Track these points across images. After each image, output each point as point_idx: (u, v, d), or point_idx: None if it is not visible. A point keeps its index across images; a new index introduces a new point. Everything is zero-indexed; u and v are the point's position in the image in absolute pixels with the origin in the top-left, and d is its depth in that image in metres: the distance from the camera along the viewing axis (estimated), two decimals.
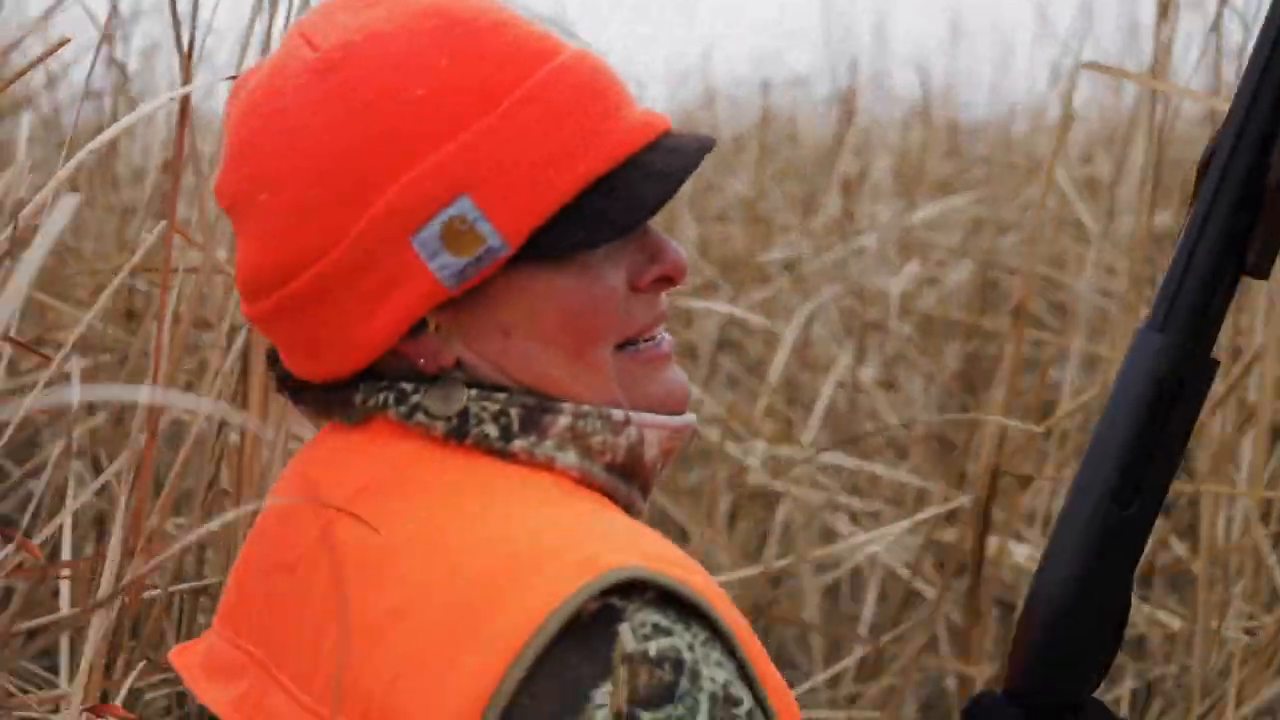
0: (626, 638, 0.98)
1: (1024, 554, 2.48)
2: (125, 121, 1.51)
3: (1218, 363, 1.06)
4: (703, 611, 1.01)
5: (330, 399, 1.16)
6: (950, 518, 2.87)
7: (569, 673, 0.98)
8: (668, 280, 1.15)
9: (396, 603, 1.03)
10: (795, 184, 4.96)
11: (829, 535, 3.08)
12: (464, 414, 1.10)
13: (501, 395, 1.11)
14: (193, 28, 1.73)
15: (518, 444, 1.10)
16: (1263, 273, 1.06)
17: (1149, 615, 2.31)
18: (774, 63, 6.64)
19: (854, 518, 3.13)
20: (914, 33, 6.03)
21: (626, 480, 1.13)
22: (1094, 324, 3.13)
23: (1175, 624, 2.23)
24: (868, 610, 2.79)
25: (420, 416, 1.11)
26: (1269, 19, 1.05)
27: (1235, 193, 1.03)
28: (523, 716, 0.98)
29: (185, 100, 1.65)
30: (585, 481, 1.12)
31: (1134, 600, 2.30)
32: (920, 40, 6.04)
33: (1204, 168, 1.06)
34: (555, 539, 1.03)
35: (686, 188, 4.79)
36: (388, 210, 1.08)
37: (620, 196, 1.10)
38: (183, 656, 1.23)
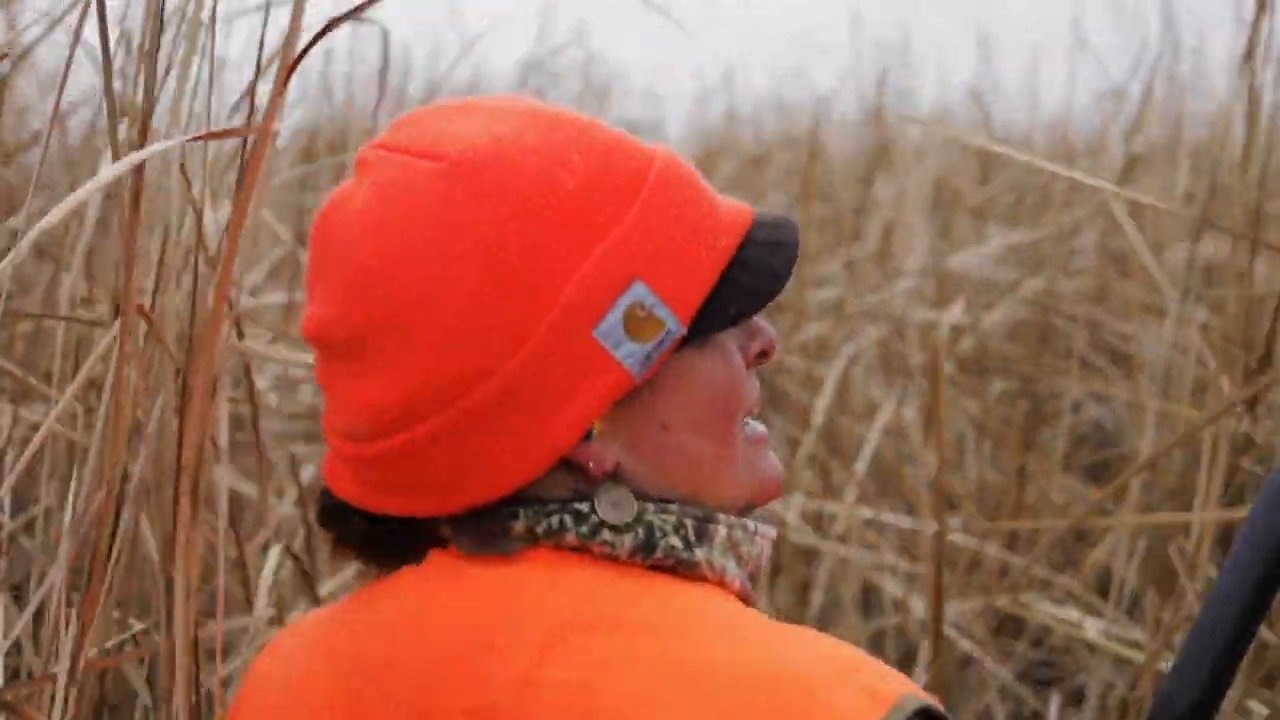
0: None
1: (1095, 629, 2.30)
2: (68, 203, 1.23)
3: None
4: None
5: (468, 532, 1.10)
6: (1005, 578, 2.71)
7: None
8: (765, 355, 1.17)
9: None
10: (825, 206, 4.80)
11: (874, 595, 2.91)
12: (649, 527, 1.09)
13: (673, 506, 1.11)
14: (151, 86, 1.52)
15: (699, 554, 1.10)
16: None
17: (1237, 702, 2.14)
18: (797, 82, 6.52)
19: (894, 572, 2.96)
20: (941, 51, 5.88)
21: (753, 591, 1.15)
22: (1153, 374, 2.95)
23: (1264, 712, 2.06)
24: (918, 678, 2.62)
25: (605, 535, 1.08)
26: None
27: None
28: None
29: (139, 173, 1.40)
30: (742, 594, 1.12)
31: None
32: (948, 58, 5.89)
33: None
34: (817, 668, 1.03)
35: None
36: (569, 306, 1.06)
37: (754, 269, 1.11)
38: None
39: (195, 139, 1.28)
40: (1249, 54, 2.17)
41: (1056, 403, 3.32)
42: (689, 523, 1.10)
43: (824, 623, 2.87)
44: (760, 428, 1.16)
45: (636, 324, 1.06)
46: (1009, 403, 3.41)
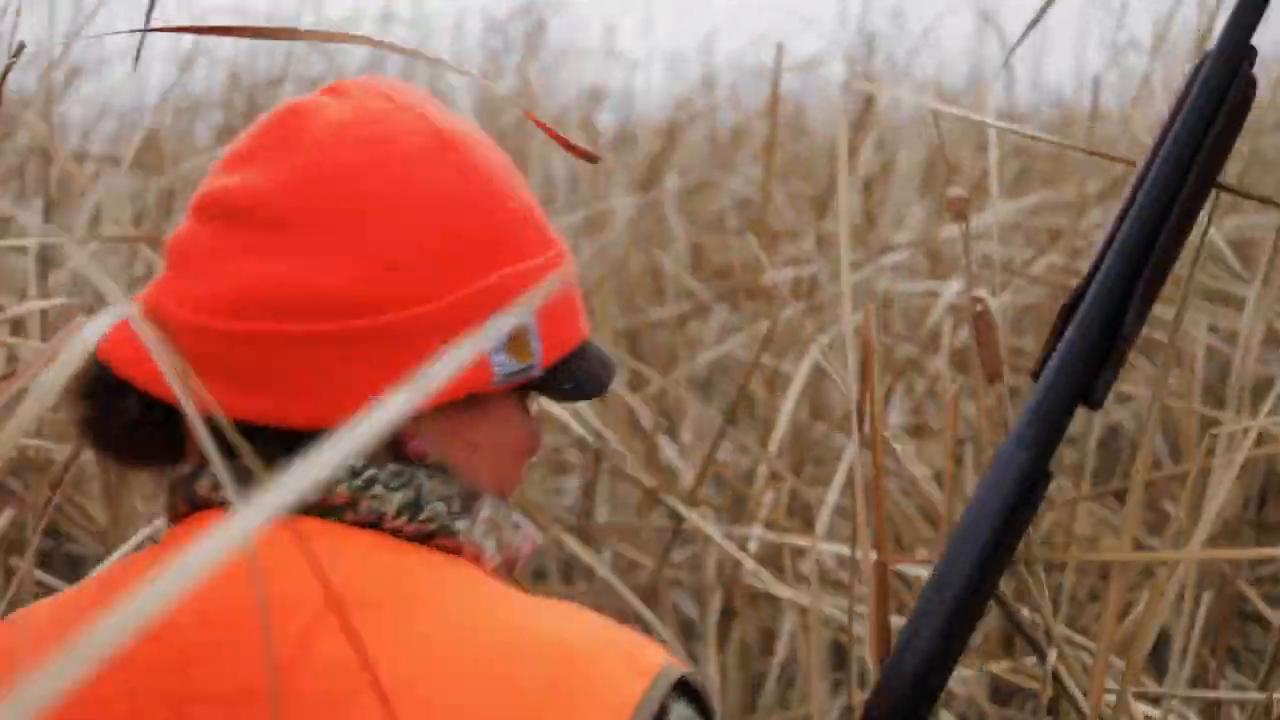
0: None
1: (1144, 708, 1.74)
2: None
3: (1052, 474, 1.31)
4: (705, 704, 1.12)
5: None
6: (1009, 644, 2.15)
7: None
8: (532, 451, 1.26)
9: None
10: (805, 183, 4.33)
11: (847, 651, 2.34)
12: (418, 489, 1.15)
13: (453, 480, 1.18)
14: None
15: (460, 524, 1.17)
16: (1098, 405, 1.31)
17: None
18: (779, 46, 6.04)
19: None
20: (933, 13, 5.44)
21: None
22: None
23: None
24: None
25: (377, 489, 1.14)
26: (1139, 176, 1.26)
27: (1093, 343, 1.27)
28: None
29: None
30: (499, 578, 1.20)
31: None
32: (941, 23, 5.44)
33: (1068, 309, 1.28)
34: (582, 639, 1.10)
35: (675, 184, 4.19)
36: (485, 291, 1.16)
37: (592, 364, 1.23)
38: None
39: None
40: None
41: None
42: (456, 497, 1.16)
43: (785, 681, 2.31)
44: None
45: (515, 342, 1.16)
46: (1017, 404, 2.85)
